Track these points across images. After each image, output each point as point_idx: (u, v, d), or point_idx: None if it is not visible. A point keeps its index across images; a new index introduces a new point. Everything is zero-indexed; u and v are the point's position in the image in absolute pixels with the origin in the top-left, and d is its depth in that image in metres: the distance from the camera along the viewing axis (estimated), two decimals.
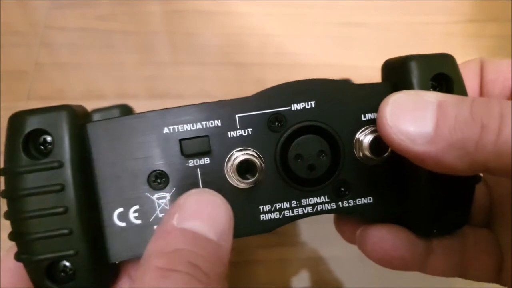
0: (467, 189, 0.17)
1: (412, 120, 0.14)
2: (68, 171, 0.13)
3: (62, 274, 0.14)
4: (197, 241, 0.12)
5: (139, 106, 0.39)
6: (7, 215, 0.14)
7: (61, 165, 0.13)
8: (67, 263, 0.14)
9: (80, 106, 0.15)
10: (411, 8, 0.45)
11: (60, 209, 0.13)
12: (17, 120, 0.14)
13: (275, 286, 0.32)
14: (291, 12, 0.45)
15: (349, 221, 0.20)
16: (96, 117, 0.25)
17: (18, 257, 0.14)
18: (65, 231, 0.13)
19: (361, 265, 0.32)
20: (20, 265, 0.14)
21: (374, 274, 0.32)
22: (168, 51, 0.42)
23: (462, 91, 0.16)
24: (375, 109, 0.15)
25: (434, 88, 0.16)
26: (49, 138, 0.14)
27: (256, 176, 0.15)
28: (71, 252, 0.13)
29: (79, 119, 0.14)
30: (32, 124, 0.14)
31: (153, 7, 0.45)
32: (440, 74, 0.16)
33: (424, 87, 0.15)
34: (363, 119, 0.16)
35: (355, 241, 0.19)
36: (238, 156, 0.15)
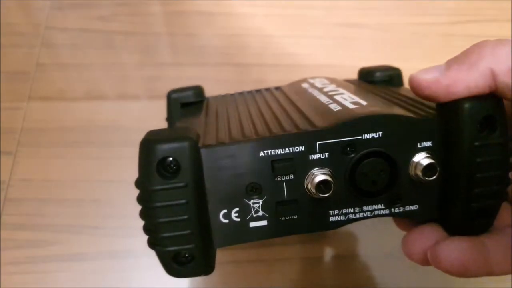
0: (496, 204, 0.21)
1: (428, 70, 0.19)
2: (191, 190, 0.18)
3: (184, 259, 0.20)
4: None
5: (140, 107, 0.39)
6: (143, 216, 0.20)
7: (186, 185, 0.18)
8: (188, 252, 0.20)
9: (195, 134, 0.19)
10: (411, 9, 0.46)
11: (185, 217, 0.19)
12: (150, 147, 0.18)
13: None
14: (291, 13, 0.45)
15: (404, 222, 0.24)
16: (173, 96, 0.29)
17: (150, 245, 0.20)
18: (187, 231, 0.19)
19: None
20: None
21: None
22: (168, 52, 0.42)
23: (504, 130, 0.19)
24: (428, 138, 0.19)
25: (481, 126, 0.19)
26: (175, 161, 0.18)
27: (330, 192, 0.19)
28: (191, 246, 0.19)
29: (197, 146, 0.19)
30: (163, 153, 0.18)
31: (154, 8, 0.45)
32: (487, 116, 0.19)
33: (472, 127, 0.19)
34: (418, 146, 0.19)
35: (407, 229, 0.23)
36: (317, 175, 0.19)
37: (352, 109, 0.20)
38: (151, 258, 0.33)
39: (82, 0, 0.45)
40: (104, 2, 0.45)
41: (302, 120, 0.20)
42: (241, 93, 0.30)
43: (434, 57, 0.42)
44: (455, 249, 0.20)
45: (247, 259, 0.33)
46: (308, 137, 0.19)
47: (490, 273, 0.20)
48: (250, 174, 0.19)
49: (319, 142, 0.19)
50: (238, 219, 0.20)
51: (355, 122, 0.19)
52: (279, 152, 0.19)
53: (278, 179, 0.19)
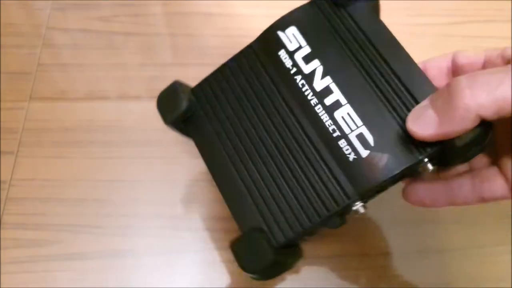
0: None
1: (422, 121, 0.22)
2: None
3: None
4: None
5: (141, 107, 0.39)
6: None
7: None
8: None
9: None
10: (410, 9, 0.46)
11: None
12: None
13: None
14: None
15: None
16: (170, 120, 0.29)
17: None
18: None
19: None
20: None
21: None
22: (169, 52, 0.43)
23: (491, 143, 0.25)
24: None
25: (470, 151, 0.23)
26: None
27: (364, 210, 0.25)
28: None
29: None
30: None
31: (155, 9, 0.45)
32: (478, 148, 0.23)
33: (463, 154, 0.23)
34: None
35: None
36: (358, 209, 0.25)
37: (369, 164, 0.24)
38: (152, 258, 0.33)
39: (83, 0, 0.45)
40: (104, 3, 0.45)
41: (336, 187, 0.24)
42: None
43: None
44: (419, 187, 0.26)
45: None
46: (343, 208, 0.24)
47: (452, 204, 0.26)
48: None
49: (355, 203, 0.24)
50: None
51: (375, 187, 0.24)
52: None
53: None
